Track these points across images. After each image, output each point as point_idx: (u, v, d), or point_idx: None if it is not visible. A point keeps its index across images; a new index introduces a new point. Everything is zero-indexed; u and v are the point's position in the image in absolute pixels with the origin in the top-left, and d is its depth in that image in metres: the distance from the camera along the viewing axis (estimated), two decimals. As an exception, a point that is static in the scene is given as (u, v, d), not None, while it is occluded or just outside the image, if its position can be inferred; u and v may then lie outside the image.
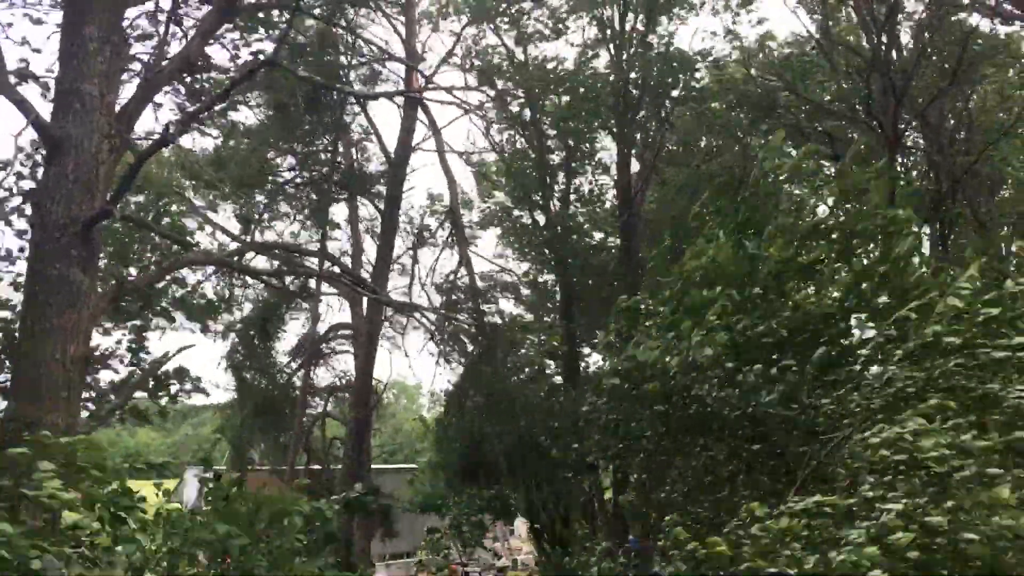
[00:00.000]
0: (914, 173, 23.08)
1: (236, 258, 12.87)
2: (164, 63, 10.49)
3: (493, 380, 19.65)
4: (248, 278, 21.15)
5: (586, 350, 26.08)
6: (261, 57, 12.90)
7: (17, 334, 10.22)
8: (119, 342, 14.52)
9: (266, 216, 25.92)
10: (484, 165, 29.43)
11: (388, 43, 25.86)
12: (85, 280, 9.97)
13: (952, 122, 22.25)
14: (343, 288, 23.97)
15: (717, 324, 9.07)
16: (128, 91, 10.94)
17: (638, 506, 12.87)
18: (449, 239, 24.17)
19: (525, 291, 29.47)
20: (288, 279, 22.65)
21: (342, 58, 23.19)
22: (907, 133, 21.25)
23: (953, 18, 20.96)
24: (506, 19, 24.32)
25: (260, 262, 20.29)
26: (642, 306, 10.98)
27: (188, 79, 11.45)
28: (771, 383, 8.79)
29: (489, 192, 30.11)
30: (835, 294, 9.24)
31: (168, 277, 12.76)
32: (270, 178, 24.86)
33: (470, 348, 21.45)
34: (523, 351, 26.71)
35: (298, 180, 25.94)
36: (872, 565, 5.45)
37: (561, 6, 24.73)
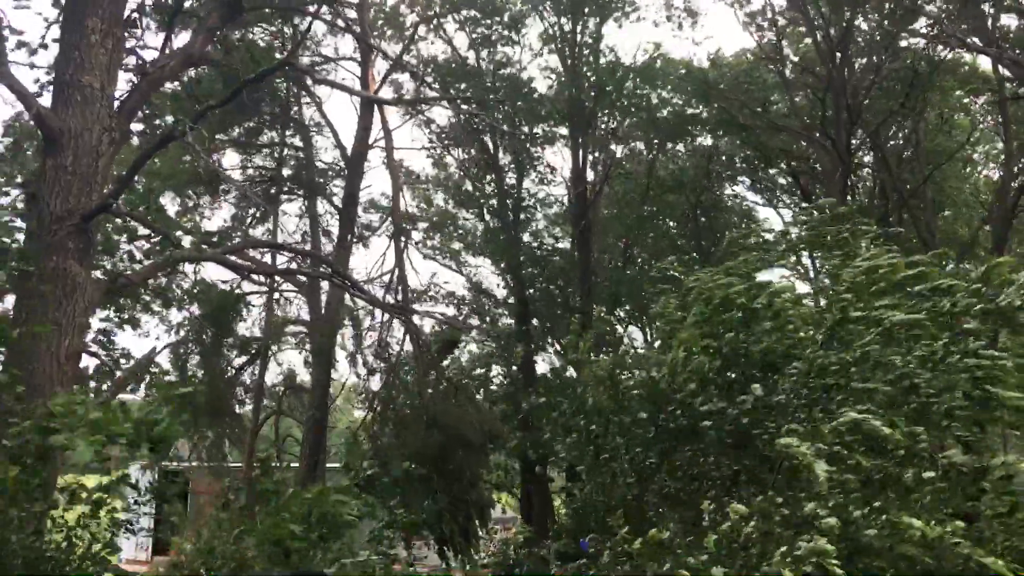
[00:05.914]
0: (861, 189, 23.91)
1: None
2: (166, 58, 10.41)
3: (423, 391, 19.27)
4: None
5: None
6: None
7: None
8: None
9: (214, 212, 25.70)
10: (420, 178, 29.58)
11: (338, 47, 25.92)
12: (81, 273, 9.85)
13: (901, 143, 23.19)
14: (301, 285, 23.75)
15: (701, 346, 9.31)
16: (122, 84, 10.86)
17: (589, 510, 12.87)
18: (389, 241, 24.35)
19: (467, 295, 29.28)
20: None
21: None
22: (859, 152, 22.07)
23: (903, 43, 21.89)
24: (457, 22, 24.55)
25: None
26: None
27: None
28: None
29: (428, 199, 30.21)
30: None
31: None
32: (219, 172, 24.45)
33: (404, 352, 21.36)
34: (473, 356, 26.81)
35: (247, 176, 25.65)
36: None
37: (514, 9, 24.85)
